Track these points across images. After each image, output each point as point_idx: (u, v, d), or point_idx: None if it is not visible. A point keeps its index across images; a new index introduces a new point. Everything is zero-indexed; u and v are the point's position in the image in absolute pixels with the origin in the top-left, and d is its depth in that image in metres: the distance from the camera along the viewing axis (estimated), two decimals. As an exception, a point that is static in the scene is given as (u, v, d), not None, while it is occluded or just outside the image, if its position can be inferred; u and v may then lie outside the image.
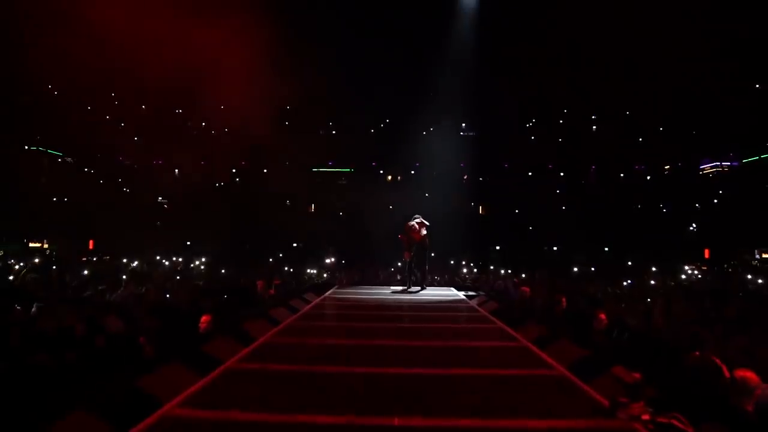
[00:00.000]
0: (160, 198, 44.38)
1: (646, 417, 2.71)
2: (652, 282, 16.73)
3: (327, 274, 17.99)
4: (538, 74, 38.95)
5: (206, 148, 43.32)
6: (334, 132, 47.89)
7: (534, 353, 4.57)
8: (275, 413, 2.87)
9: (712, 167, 44.91)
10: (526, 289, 10.97)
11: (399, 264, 18.87)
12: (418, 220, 10.53)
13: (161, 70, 32.80)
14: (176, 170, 45.74)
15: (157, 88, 36.27)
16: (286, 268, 20.13)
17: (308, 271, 18.10)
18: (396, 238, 10.70)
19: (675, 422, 2.60)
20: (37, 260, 21.28)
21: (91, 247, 32.36)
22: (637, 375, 2.84)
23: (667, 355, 6.73)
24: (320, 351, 4.76)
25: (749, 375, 3.81)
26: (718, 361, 5.12)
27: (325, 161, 46.19)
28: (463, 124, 43.46)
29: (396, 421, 2.77)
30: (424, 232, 10.47)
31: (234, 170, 46.44)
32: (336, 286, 11.25)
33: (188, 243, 32.26)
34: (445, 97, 26.64)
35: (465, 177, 43.34)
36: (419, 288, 10.25)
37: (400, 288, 10.46)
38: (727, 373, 4.55)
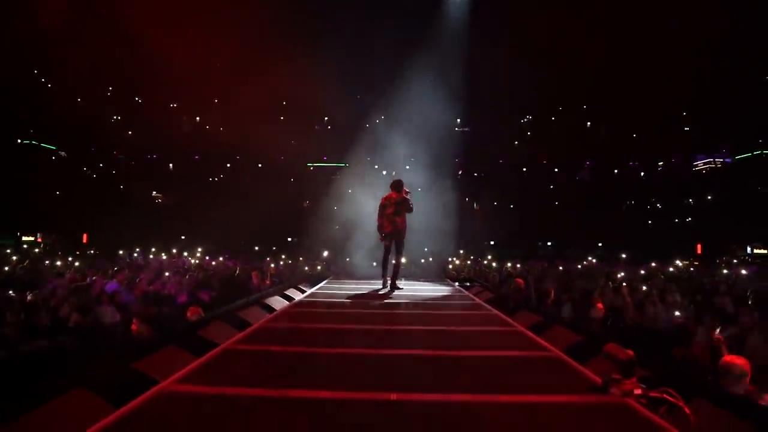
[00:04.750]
0: (154, 192, 44.34)
1: (638, 392, 2.75)
2: (643, 272, 16.92)
3: (321, 266, 18.01)
4: (533, 70, 39.06)
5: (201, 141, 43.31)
6: (329, 126, 47.97)
7: (530, 337, 4.61)
8: (273, 389, 2.89)
9: (705, 163, 45.21)
10: (521, 280, 11.03)
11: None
12: (394, 202, 8.63)
13: (150, 60, 32.81)
14: (171, 165, 45.72)
15: (147, 78, 36.35)
16: (281, 263, 20.14)
17: (304, 268, 18.05)
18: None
19: (666, 396, 2.63)
20: (37, 250, 21.30)
21: (85, 240, 32.26)
22: (630, 352, 2.88)
23: (661, 344, 6.83)
24: (316, 334, 4.79)
25: (739, 361, 3.85)
26: (706, 353, 5.19)
27: (320, 156, 46.28)
28: (458, 119, 43.47)
29: (393, 396, 2.80)
30: (400, 222, 8.62)
31: (229, 165, 46.44)
32: (331, 277, 11.26)
33: (183, 237, 32.18)
34: (440, 90, 26.63)
35: (460, 171, 43.42)
36: (389, 289, 8.55)
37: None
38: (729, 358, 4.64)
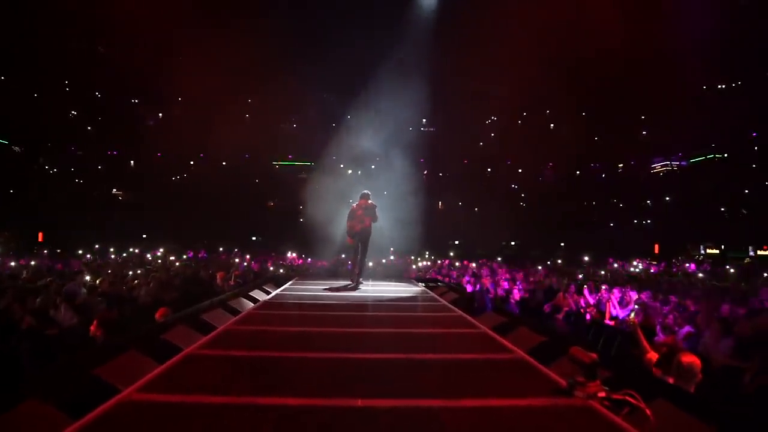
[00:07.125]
0: (114, 190, 43.21)
1: (602, 394, 2.81)
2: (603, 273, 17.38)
3: (286, 267, 17.87)
4: (496, 74, 39.52)
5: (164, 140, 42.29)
6: (294, 125, 47.65)
7: (494, 339, 4.65)
8: (238, 396, 2.84)
9: (662, 166, 46.74)
10: (486, 280, 11.19)
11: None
12: (363, 207, 9.39)
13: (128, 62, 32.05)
14: (132, 162, 44.65)
15: (117, 77, 35.49)
16: (245, 264, 19.90)
17: (270, 267, 17.87)
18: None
19: (629, 398, 2.70)
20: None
21: (40, 239, 31.16)
22: (593, 355, 2.94)
23: (620, 341, 7.02)
24: (281, 338, 4.73)
25: (692, 359, 4.00)
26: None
27: (285, 154, 45.97)
28: (424, 120, 43.74)
29: (359, 402, 2.78)
30: (367, 221, 9.35)
31: (192, 163, 45.66)
32: (296, 278, 11.15)
33: (144, 236, 31.46)
34: (406, 92, 26.75)
35: (425, 171, 43.69)
36: (352, 284, 9.14)
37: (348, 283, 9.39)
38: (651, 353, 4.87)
